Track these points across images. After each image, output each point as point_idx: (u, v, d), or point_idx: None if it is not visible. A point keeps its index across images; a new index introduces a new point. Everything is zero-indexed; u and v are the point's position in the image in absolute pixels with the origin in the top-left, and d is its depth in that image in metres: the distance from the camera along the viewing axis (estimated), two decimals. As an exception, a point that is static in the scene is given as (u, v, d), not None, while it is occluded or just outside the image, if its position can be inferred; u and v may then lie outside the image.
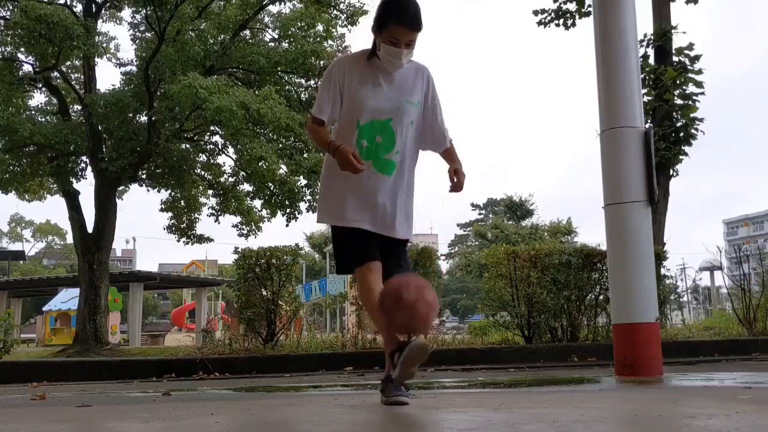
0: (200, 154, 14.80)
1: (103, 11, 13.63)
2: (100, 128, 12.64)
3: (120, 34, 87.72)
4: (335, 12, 14.06)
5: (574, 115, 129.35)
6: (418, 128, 3.03)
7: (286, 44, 13.82)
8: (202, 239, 15.24)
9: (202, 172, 14.95)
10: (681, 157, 10.29)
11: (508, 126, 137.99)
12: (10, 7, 12.32)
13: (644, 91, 10.20)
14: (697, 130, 10.35)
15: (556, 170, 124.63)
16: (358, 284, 3.02)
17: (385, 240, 2.97)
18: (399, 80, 2.97)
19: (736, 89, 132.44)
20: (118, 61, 14.61)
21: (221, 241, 27.28)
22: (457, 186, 2.97)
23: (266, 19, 14.52)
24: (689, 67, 10.42)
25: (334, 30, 14.34)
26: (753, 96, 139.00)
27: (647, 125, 4.41)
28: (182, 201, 15.01)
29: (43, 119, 13.66)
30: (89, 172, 13.42)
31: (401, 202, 2.99)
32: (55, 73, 13.60)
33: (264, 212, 14.51)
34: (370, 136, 2.91)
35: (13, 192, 14.00)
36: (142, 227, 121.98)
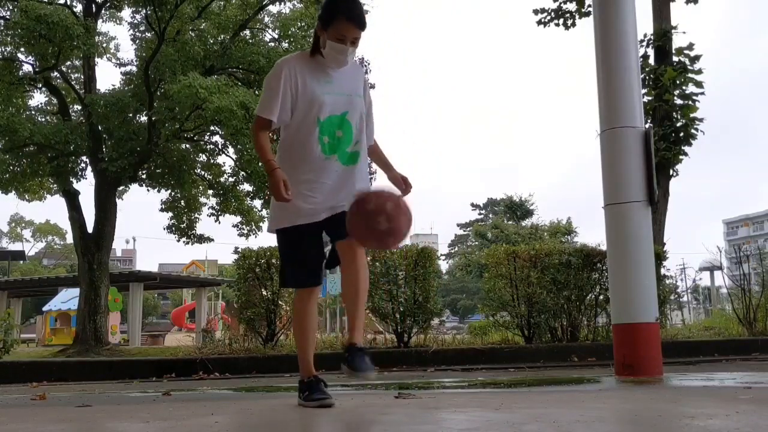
0: (200, 154, 14.78)
1: (103, 11, 13.62)
2: (100, 128, 12.63)
3: (120, 34, 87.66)
4: (335, 12, 14.03)
5: (576, 115, 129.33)
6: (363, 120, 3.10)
7: (286, 44, 13.81)
8: (202, 239, 15.23)
9: (202, 172, 14.94)
10: (681, 157, 10.28)
11: (511, 126, 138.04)
12: (10, 7, 12.31)
13: (644, 91, 10.20)
14: (697, 130, 10.35)
15: (559, 170, 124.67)
16: (296, 304, 3.06)
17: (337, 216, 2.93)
18: (346, 75, 3.03)
19: (737, 90, 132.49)
20: (118, 61, 14.62)
21: (221, 241, 27.29)
22: (406, 193, 3.12)
23: (266, 19, 14.51)
24: (689, 67, 10.41)
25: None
26: (754, 97, 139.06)
27: (647, 125, 4.42)
28: (182, 201, 15.00)
29: (43, 119, 13.64)
30: (89, 172, 13.41)
31: (367, 184, 3.06)
32: (55, 73, 13.58)
33: (264, 212, 14.51)
34: (331, 131, 2.94)
35: (13, 192, 13.98)
36: (142, 227, 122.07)
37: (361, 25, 2.90)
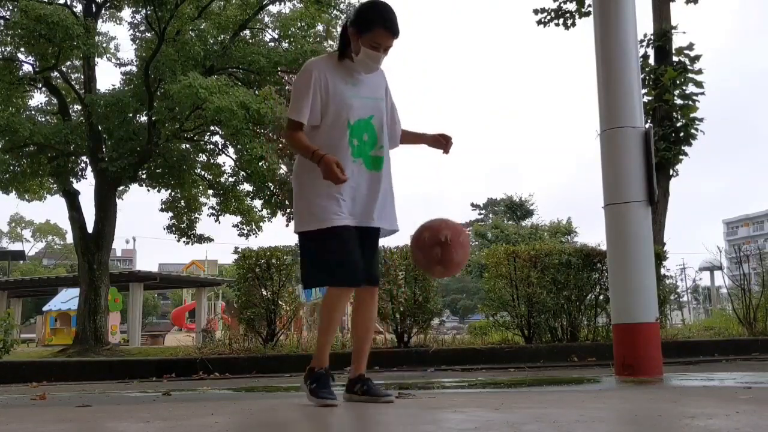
0: (200, 154, 14.79)
1: (103, 11, 13.62)
2: (100, 128, 12.63)
3: (120, 34, 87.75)
4: (335, 12, 14.07)
5: (577, 115, 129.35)
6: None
7: (286, 44, 13.81)
8: (202, 239, 15.23)
9: (202, 172, 14.94)
10: (681, 157, 10.28)
11: (511, 126, 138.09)
12: (10, 7, 12.32)
13: (644, 91, 10.20)
14: (697, 130, 10.34)
15: (560, 171, 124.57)
16: (335, 300, 2.95)
17: (369, 231, 3.02)
18: (371, 79, 3.08)
19: (737, 90, 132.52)
20: (118, 61, 14.61)
21: (221, 241, 27.21)
22: (449, 146, 3.25)
23: (266, 19, 14.52)
24: (689, 67, 10.41)
25: (334, 30, 14.33)
26: (754, 97, 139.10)
27: (647, 125, 4.42)
28: (182, 201, 15.00)
29: (43, 119, 13.65)
30: (89, 172, 13.42)
31: (391, 195, 3.10)
32: (55, 73, 13.58)
33: (264, 212, 14.52)
34: (359, 135, 2.98)
35: (13, 192, 13.99)
36: (142, 227, 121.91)
37: (397, 33, 2.96)
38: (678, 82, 10.29)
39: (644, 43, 10.68)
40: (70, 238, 28.90)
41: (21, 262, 47.14)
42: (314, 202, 2.93)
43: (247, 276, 7.83)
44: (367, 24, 2.92)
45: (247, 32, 14.05)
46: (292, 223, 3.25)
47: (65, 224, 49.19)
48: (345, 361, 3.17)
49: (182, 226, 15.07)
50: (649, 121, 10.15)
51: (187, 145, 14.23)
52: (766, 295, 8.34)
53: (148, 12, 12.45)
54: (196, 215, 15.21)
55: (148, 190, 14.08)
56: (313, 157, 2.84)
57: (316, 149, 2.85)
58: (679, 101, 10.41)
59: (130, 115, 12.73)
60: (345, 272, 2.89)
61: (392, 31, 2.94)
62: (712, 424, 2.06)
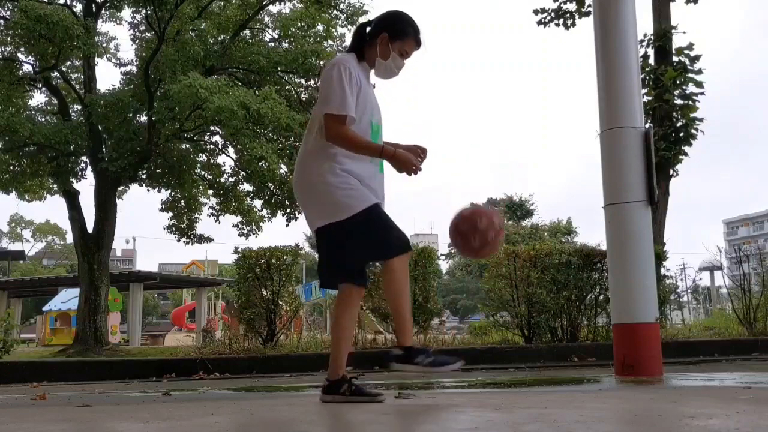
0: (200, 154, 14.80)
1: (103, 11, 13.63)
2: (100, 128, 12.64)
3: (120, 34, 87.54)
4: (335, 12, 14.08)
5: (577, 115, 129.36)
6: None
7: (286, 44, 13.83)
8: (202, 239, 15.24)
9: (202, 172, 14.96)
10: (681, 157, 10.28)
11: (514, 126, 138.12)
12: (10, 7, 12.32)
13: (644, 91, 10.20)
14: (697, 130, 10.34)
15: (564, 170, 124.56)
16: (350, 301, 2.93)
17: None
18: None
19: (737, 90, 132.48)
20: (118, 61, 14.63)
21: (221, 241, 27.23)
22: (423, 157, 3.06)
23: (266, 19, 14.53)
24: (689, 67, 10.41)
25: (334, 30, 14.34)
26: (754, 96, 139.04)
27: (647, 125, 4.42)
28: (182, 201, 15.01)
29: (43, 119, 13.66)
30: (89, 172, 13.44)
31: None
32: (55, 73, 13.60)
33: (264, 212, 14.53)
34: (374, 138, 2.99)
35: (13, 192, 14.00)
36: (142, 227, 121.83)
37: (420, 45, 3.06)
38: (678, 82, 10.29)
39: (644, 43, 10.68)
40: (70, 238, 28.88)
41: (21, 262, 47.14)
42: (347, 190, 2.85)
43: (247, 276, 7.83)
44: (401, 31, 2.97)
45: (247, 32, 14.06)
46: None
47: (65, 224, 49.22)
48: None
49: (182, 226, 15.08)
50: (649, 121, 10.15)
51: (187, 145, 14.24)
52: (766, 295, 8.34)
53: (148, 12, 12.46)
54: (196, 215, 15.23)
55: (148, 190, 14.10)
56: (383, 154, 2.85)
57: (383, 145, 2.88)
58: (679, 101, 10.41)
59: (130, 115, 12.75)
60: (398, 237, 2.89)
61: (420, 42, 3.03)
62: (712, 424, 2.06)
